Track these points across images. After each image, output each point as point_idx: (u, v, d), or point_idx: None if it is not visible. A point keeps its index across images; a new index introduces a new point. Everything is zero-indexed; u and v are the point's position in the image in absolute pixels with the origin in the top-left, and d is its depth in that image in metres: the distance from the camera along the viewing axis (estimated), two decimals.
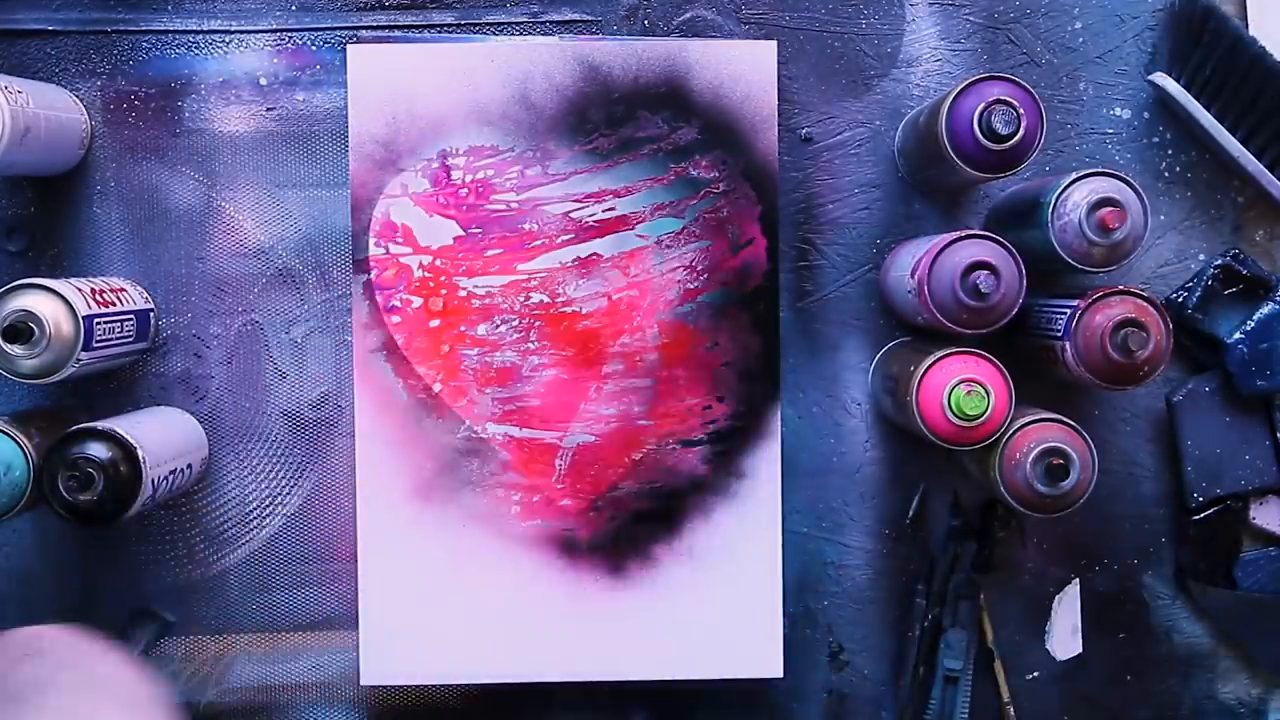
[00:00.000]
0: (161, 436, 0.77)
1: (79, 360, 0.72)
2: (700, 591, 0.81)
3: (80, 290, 0.73)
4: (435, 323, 0.81)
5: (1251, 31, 0.79)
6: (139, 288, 0.81)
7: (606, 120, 0.81)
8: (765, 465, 0.81)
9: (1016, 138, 0.70)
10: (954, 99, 0.72)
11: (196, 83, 0.82)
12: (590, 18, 0.83)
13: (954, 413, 0.71)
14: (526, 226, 0.81)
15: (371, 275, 0.81)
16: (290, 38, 0.83)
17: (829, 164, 0.83)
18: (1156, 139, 0.83)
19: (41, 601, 0.81)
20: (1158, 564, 0.84)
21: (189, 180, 0.82)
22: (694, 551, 0.81)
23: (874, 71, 0.83)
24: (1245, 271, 0.81)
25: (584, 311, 0.81)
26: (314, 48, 0.83)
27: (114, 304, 0.76)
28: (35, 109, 0.73)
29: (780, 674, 0.81)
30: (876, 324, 0.83)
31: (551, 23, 0.83)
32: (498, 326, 0.81)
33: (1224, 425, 0.81)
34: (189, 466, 0.79)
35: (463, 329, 0.81)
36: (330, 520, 0.82)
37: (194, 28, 0.83)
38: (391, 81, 0.80)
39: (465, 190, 0.81)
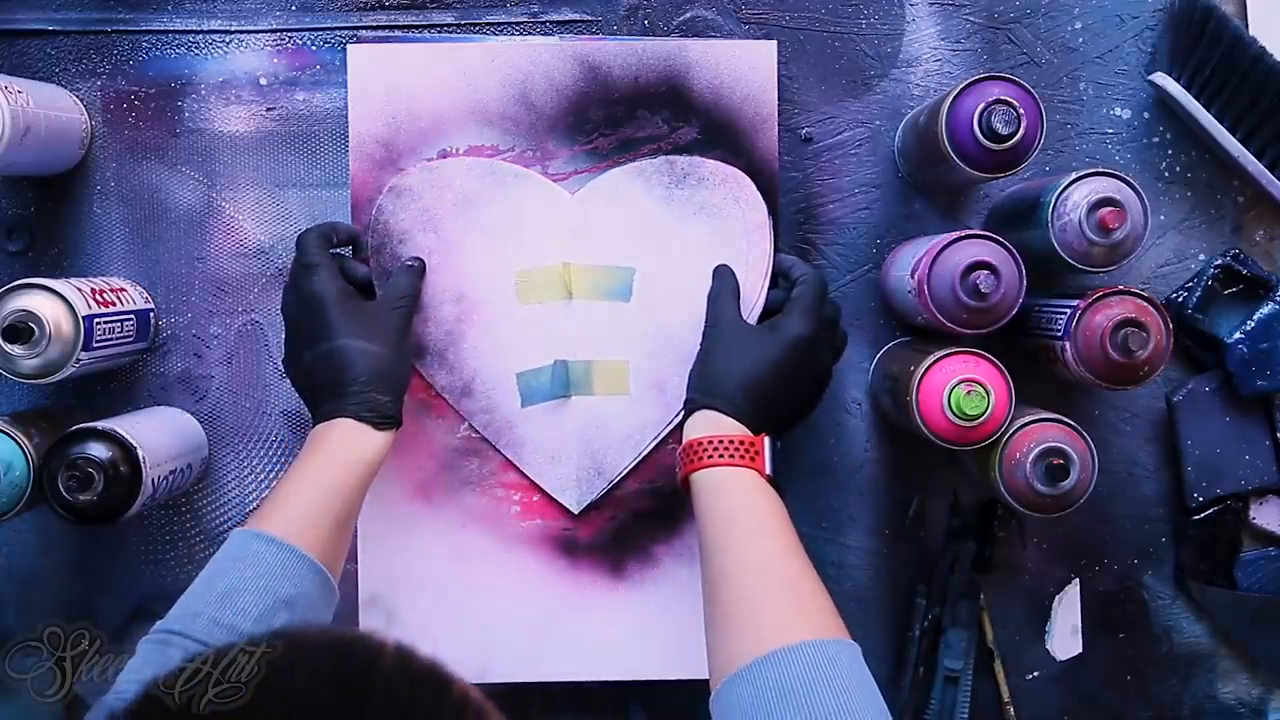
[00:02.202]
0: (161, 436, 0.77)
1: (79, 360, 0.72)
2: (700, 591, 0.81)
3: (80, 290, 0.73)
4: None
5: (1251, 31, 0.79)
6: (139, 288, 0.81)
7: (606, 120, 0.81)
8: (765, 464, 0.81)
9: (1016, 138, 0.70)
10: (954, 99, 0.72)
11: (196, 83, 0.82)
12: (590, 18, 0.83)
13: (954, 413, 0.71)
14: None
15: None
16: (290, 38, 0.83)
17: (829, 164, 0.83)
18: (1156, 139, 0.83)
19: (41, 601, 0.81)
20: (1158, 564, 0.84)
21: (189, 180, 0.82)
22: (694, 551, 0.81)
23: (874, 71, 0.83)
24: (1245, 271, 0.81)
25: None
26: (314, 48, 0.83)
27: (114, 304, 0.76)
28: (35, 109, 0.73)
29: None
30: (876, 324, 0.83)
31: (551, 23, 0.83)
32: None
33: (1224, 425, 0.81)
34: (189, 466, 0.79)
35: None
36: None
37: (194, 28, 0.83)
38: (391, 81, 0.80)
39: None
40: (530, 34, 0.83)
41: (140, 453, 0.73)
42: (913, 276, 0.74)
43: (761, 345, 0.72)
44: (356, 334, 0.71)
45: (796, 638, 0.57)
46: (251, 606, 0.60)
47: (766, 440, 0.69)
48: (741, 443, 0.68)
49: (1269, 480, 0.82)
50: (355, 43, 0.81)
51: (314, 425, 0.70)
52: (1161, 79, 0.81)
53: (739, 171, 0.80)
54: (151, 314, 0.81)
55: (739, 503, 0.66)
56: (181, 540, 0.82)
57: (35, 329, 0.70)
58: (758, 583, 0.62)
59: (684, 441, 0.70)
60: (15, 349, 0.71)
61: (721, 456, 0.68)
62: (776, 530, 0.65)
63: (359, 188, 0.81)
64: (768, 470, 0.68)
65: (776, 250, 0.80)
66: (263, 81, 0.83)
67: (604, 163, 0.81)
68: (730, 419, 0.70)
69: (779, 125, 0.81)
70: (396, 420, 0.72)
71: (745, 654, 0.57)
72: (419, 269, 0.78)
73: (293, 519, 0.65)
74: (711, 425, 0.70)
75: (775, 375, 0.71)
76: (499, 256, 0.80)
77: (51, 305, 0.71)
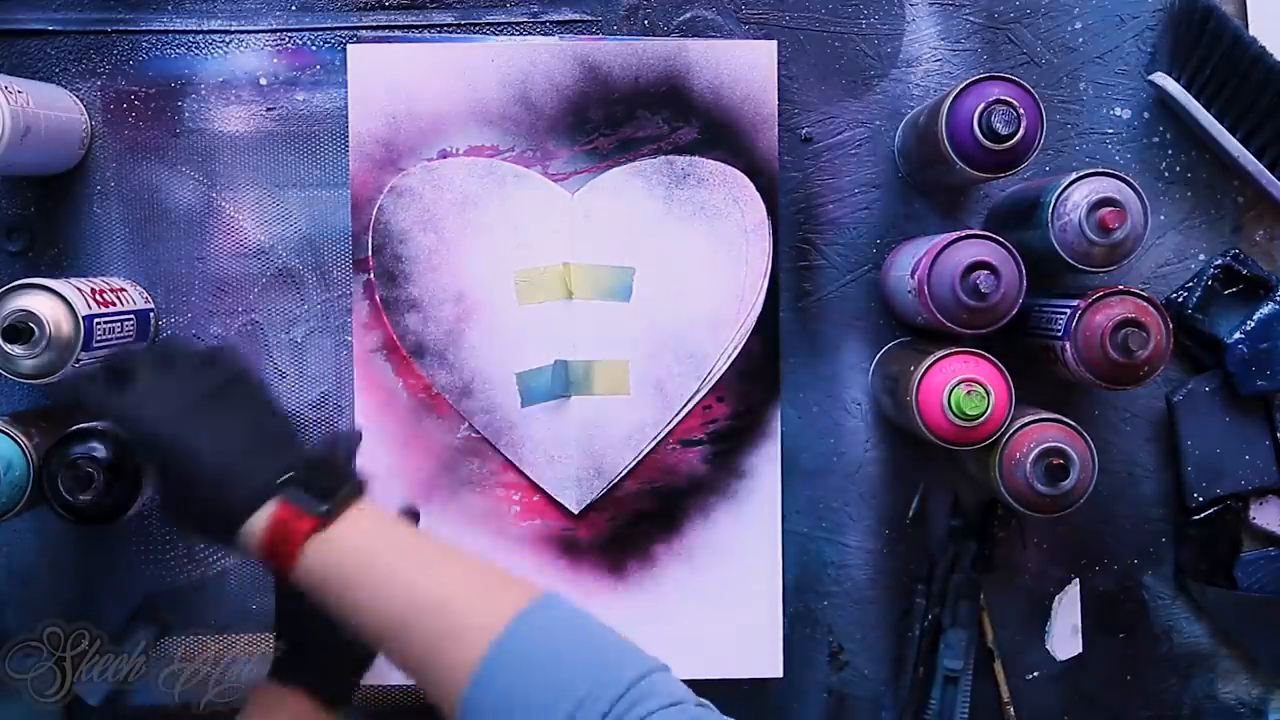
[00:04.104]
0: None
1: (79, 360, 0.72)
2: (700, 591, 0.81)
3: (80, 290, 0.73)
4: None
5: (1251, 31, 0.79)
6: (139, 288, 0.81)
7: (606, 120, 0.81)
8: (765, 465, 0.81)
9: (1016, 138, 0.70)
10: (954, 99, 0.72)
11: (196, 83, 0.82)
12: (590, 18, 0.83)
13: (954, 413, 0.71)
14: None
15: (371, 275, 0.81)
16: (290, 38, 0.83)
17: (829, 164, 0.83)
18: (1156, 139, 0.83)
19: (41, 601, 0.81)
20: (1158, 564, 0.84)
21: (189, 180, 0.82)
22: (694, 551, 0.81)
23: (874, 71, 0.83)
24: (1245, 271, 0.81)
25: None
26: (314, 48, 0.83)
27: (114, 304, 0.76)
28: (35, 109, 0.73)
29: (780, 674, 0.81)
30: (876, 324, 0.83)
31: (551, 23, 0.83)
32: None
33: (1224, 425, 0.81)
34: None
35: None
36: None
37: (194, 28, 0.83)
38: (391, 81, 0.80)
39: None
40: (530, 34, 0.83)
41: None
42: (913, 276, 0.74)
43: None
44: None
45: (501, 623, 0.52)
46: None
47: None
48: (274, 539, 0.57)
49: (1269, 480, 0.82)
50: (355, 43, 0.81)
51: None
52: (1161, 79, 0.81)
53: (738, 172, 0.80)
54: (151, 314, 0.81)
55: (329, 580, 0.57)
56: (182, 540, 0.82)
57: (35, 329, 0.70)
58: (422, 616, 0.54)
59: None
60: (15, 349, 0.70)
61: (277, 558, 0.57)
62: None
63: (359, 188, 0.81)
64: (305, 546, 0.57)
65: (776, 251, 0.81)
66: (263, 81, 0.83)
67: (604, 163, 0.81)
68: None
69: (779, 125, 0.81)
70: None
71: (468, 662, 0.51)
72: None
73: None
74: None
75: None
76: (499, 256, 0.80)
77: (51, 305, 0.71)
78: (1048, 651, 0.83)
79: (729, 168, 0.80)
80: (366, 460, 0.80)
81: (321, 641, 0.65)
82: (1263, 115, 0.78)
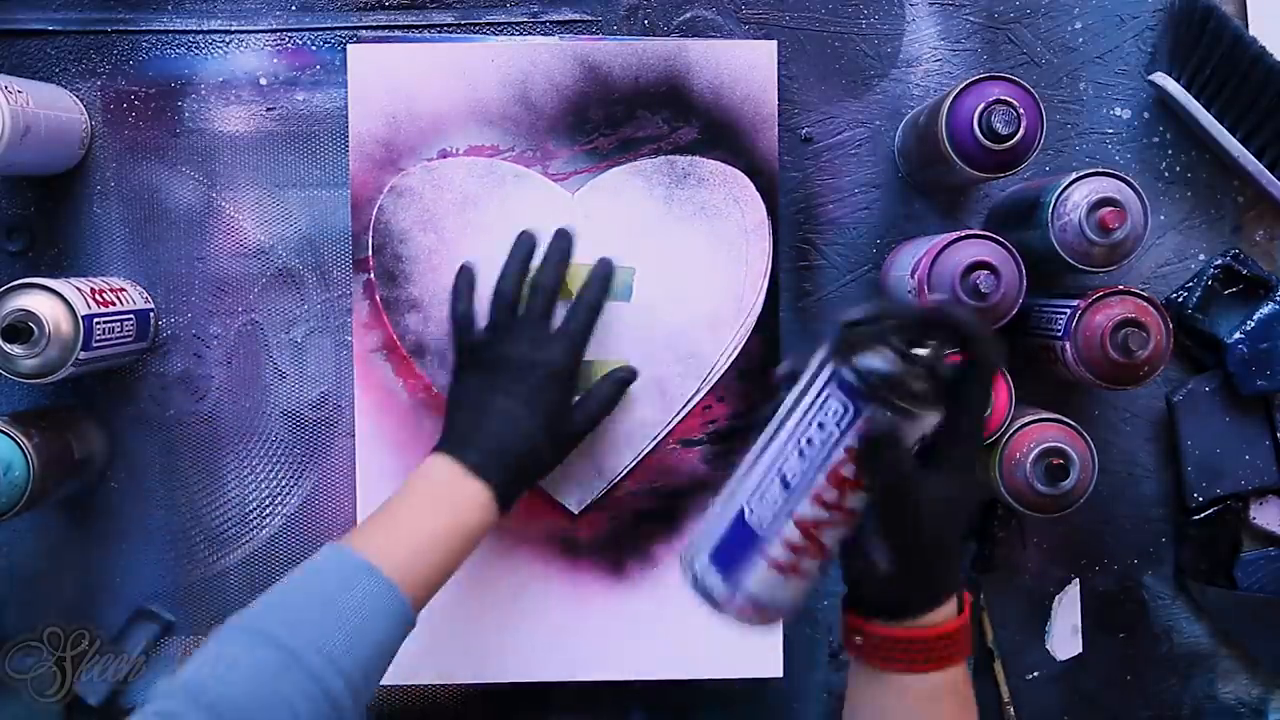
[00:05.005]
0: None
1: (78, 360, 0.72)
2: None
3: (80, 290, 0.73)
4: None
5: (1251, 31, 0.79)
6: (139, 288, 0.81)
7: (606, 120, 0.81)
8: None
9: (1016, 138, 0.70)
10: (954, 99, 0.72)
11: (196, 83, 0.82)
12: (590, 18, 0.83)
13: None
14: None
15: (371, 275, 0.81)
16: (290, 38, 0.83)
17: (829, 164, 0.83)
18: (1156, 139, 0.83)
19: (41, 601, 0.81)
20: (1158, 564, 0.84)
21: (189, 180, 0.82)
22: None
23: (874, 71, 0.83)
24: (1245, 271, 0.81)
25: None
26: (314, 48, 0.83)
27: (114, 304, 0.76)
28: (35, 109, 0.73)
29: (780, 674, 0.81)
30: None
31: (551, 23, 0.83)
32: None
33: (1224, 425, 0.81)
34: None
35: None
36: (330, 520, 0.82)
37: (194, 28, 0.82)
38: (391, 81, 0.80)
39: None
40: (530, 34, 0.83)
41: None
42: (913, 276, 0.74)
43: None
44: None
45: None
46: (358, 643, 0.60)
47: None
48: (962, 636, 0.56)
49: (1269, 480, 0.82)
50: (355, 43, 0.81)
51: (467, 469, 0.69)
52: (1161, 79, 0.81)
53: (739, 171, 0.80)
54: (151, 314, 0.81)
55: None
56: (182, 540, 0.82)
57: (35, 329, 0.70)
58: None
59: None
60: (15, 349, 0.71)
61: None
62: None
63: (359, 188, 0.81)
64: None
65: (776, 251, 0.81)
66: (263, 81, 0.83)
67: (604, 163, 0.81)
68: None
69: (779, 125, 0.81)
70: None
71: None
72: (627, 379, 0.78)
73: (420, 582, 0.65)
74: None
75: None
76: (499, 256, 0.80)
77: (51, 305, 0.71)
78: (1048, 651, 0.83)
79: (729, 168, 0.80)
80: (366, 460, 0.80)
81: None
82: (1263, 115, 0.78)
